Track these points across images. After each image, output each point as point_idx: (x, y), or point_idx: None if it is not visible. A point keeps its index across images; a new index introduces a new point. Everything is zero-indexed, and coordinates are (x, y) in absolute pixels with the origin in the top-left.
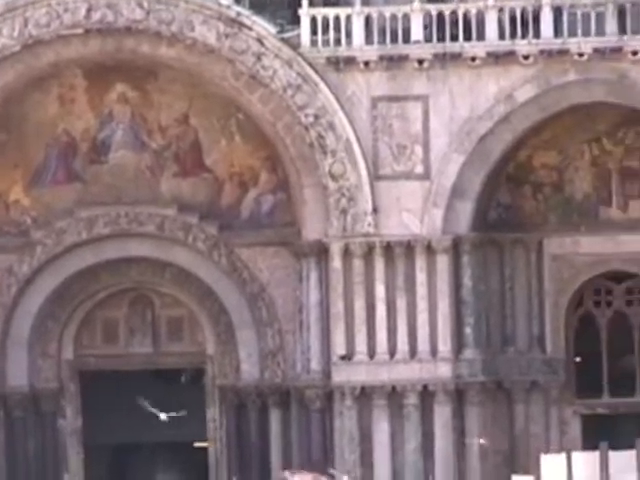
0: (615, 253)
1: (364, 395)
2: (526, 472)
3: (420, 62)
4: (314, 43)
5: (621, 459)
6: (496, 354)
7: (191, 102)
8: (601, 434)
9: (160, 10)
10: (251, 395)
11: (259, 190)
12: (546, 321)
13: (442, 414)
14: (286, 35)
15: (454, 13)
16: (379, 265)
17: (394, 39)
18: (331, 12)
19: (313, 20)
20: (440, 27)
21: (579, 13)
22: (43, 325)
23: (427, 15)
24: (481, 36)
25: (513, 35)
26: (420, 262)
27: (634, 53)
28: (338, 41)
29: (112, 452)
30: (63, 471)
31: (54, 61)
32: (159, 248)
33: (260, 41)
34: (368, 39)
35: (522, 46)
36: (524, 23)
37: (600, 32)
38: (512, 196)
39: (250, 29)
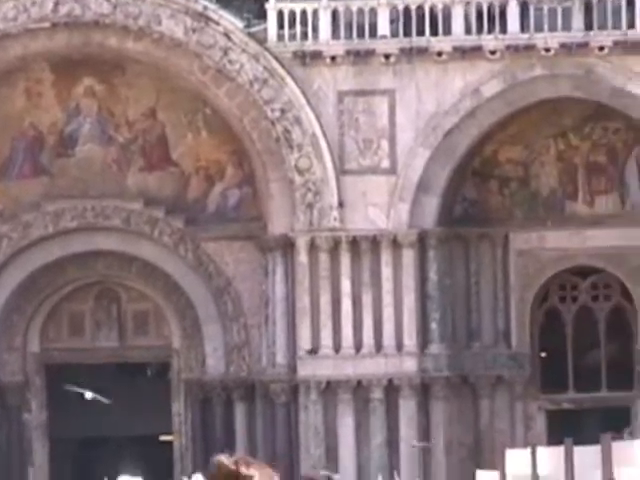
0: (581, 248)
1: (329, 389)
2: (491, 467)
3: (387, 57)
4: (281, 37)
5: (586, 454)
6: (461, 349)
7: (158, 96)
8: (566, 429)
9: (127, 4)
10: (216, 389)
11: (225, 184)
12: (512, 316)
13: (407, 409)
14: (253, 30)
15: (420, 8)
16: (345, 260)
17: (361, 34)
18: (298, 6)
19: (280, 14)
20: (407, 22)
21: (545, 8)
22: (9, 319)
23: (394, 10)
24: (448, 31)
25: (480, 30)
26: (386, 257)
27: (600, 48)
28: (305, 35)
29: (77, 446)
30: (28, 465)
31: (21, 55)
32: (125, 242)
33: (227, 35)
34: (335, 34)
35: (489, 41)
36: (491, 18)
37: (566, 27)
38: (478, 191)
39: (217, 23)
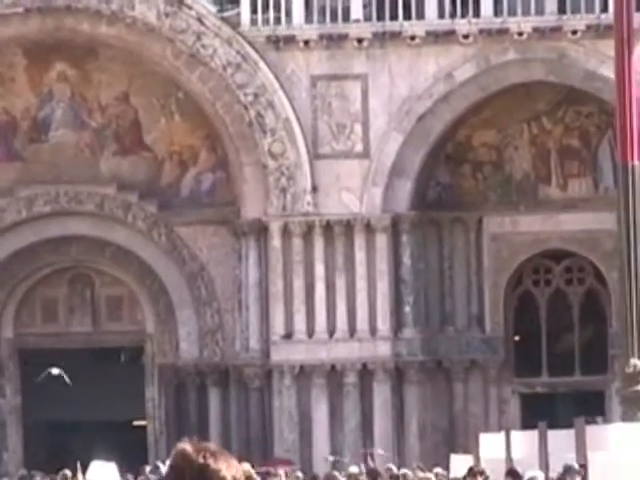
0: (555, 232)
1: (303, 374)
2: (465, 451)
3: (359, 41)
4: (254, 22)
5: (560, 438)
6: (435, 333)
7: (131, 81)
8: (540, 413)
9: None
10: (190, 374)
11: (199, 169)
12: (485, 300)
13: (381, 393)
14: (226, 14)
15: None
16: (318, 244)
17: (334, 18)
18: None
19: None
20: (380, 6)
21: None
22: None
23: None
24: (421, 15)
25: (453, 14)
26: (359, 241)
27: (574, 32)
28: (278, 20)
29: (51, 430)
30: (2, 449)
31: None
32: (99, 227)
33: (200, 20)
34: (308, 18)
35: (462, 25)
36: (464, 2)
37: (540, 11)
38: (451, 175)
39: (190, 8)
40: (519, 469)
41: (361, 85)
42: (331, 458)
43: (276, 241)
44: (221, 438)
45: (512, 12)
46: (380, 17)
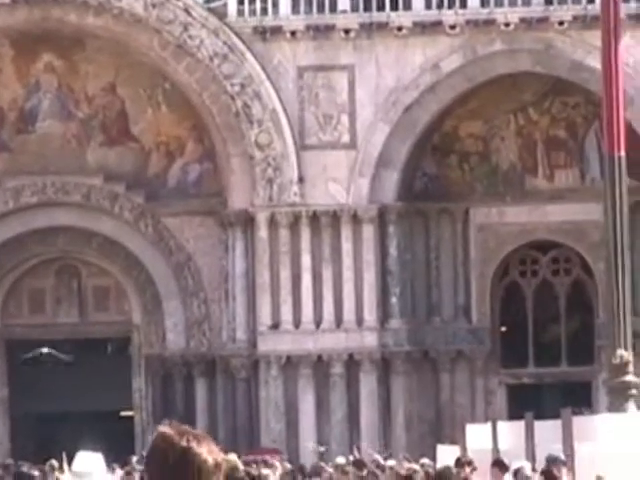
0: (541, 223)
1: (290, 364)
2: (452, 441)
3: (346, 32)
4: (241, 13)
5: (546, 429)
6: (422, 324)
7: (118, 72)
8: (527, 404)
9: None
10: (177, 364)
11: (185, 159)
12: (472, 291)
13: (368, 383)
14: (213, 5)
15: None
16: (305, 235)
17: (321, 9)
18: None
19: None
20: None
21: None
22: None
23: None
24: (408, 6)
25: (440, 5)
26: (346, 232)
27: (560, 23)
28: (265, 10)
29: (38, 422)
30: None
31: None
32: (85, 217)
33: (187, 11)
34: (295, 9)
35: (449, 16)
36: None
37: (526, 2)
38: (438, 166)
39: None
40: (506, 460)
41: (348, 76)
42: (322, 448)
43: (263, 232)
44: (208, 428)
45: (499, 3)
46: (367, 8)
